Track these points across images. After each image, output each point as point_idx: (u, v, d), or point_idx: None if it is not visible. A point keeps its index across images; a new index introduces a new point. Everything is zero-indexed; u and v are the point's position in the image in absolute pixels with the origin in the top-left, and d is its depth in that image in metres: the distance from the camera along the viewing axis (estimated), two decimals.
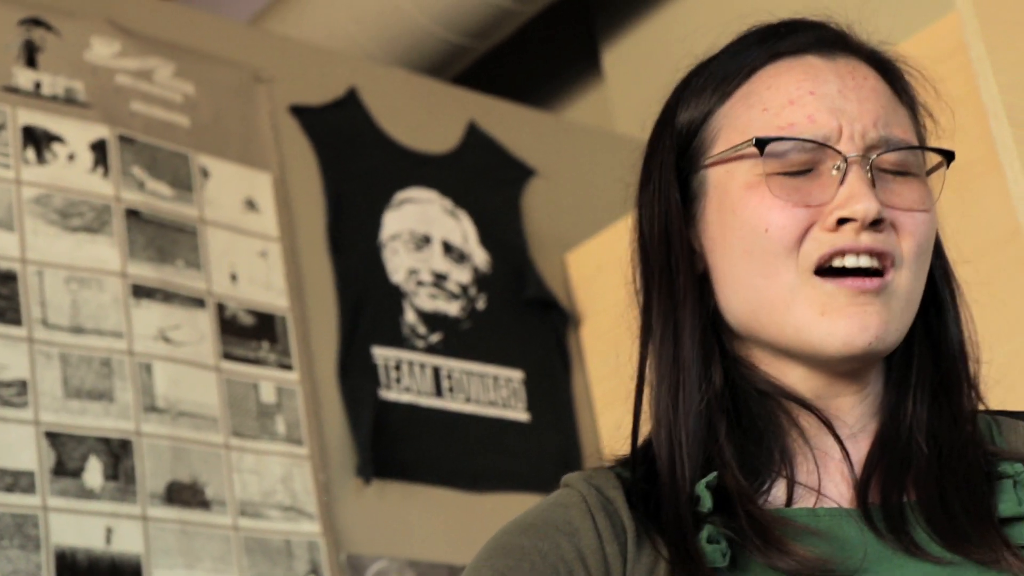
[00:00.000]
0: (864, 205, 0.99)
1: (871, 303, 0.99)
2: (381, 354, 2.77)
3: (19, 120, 2.43)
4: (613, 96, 3.46)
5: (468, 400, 2.85)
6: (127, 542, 2.25)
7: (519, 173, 3.12)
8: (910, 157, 1.04)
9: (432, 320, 2.88)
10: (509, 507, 2.86)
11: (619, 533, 0.99)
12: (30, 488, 2.19)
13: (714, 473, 0.99)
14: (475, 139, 3.11)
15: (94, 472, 2.27)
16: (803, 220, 1.00)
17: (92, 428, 2.30)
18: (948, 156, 1.06)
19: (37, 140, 2.44)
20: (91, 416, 2.30)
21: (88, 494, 2.24)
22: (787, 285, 1.00)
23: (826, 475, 1.02)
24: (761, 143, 1.01)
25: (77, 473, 2.25)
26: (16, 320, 2.29)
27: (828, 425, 1.02)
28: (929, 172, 1.07)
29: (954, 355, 1.06)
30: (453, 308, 2.92)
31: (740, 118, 1.04)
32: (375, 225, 2.88)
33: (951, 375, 1.06)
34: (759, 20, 1.14)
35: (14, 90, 2.45)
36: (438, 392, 2.82)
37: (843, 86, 1.03)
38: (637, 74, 3.43)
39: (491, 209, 3.04)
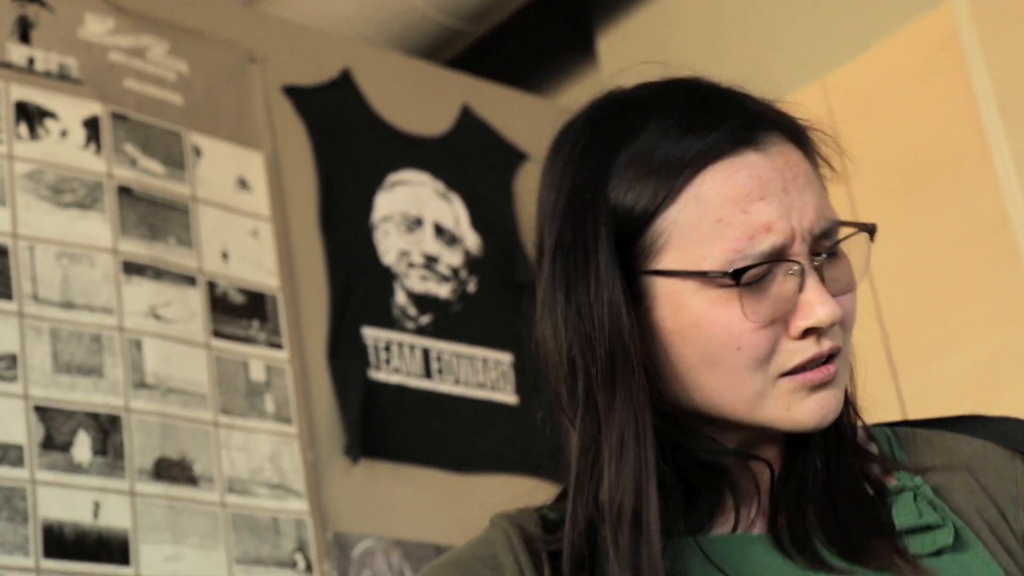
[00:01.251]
0: (827, 312, 1.02)
1: (827, 391, 1.04)
2: (371, 335, 2.78)
3: (12, 96, 2.43)
4: (607, 82, 3.46)
5: (457, 382, 2.86)
6: (115, 517, 2.26)
7: (512, 157, 3.13)
8: (835, 235, 1.07)
9: (422, 302, 2.88)
10: (496, 489, 2.86)
11: (539, 565, 1.04)
12: (18, 461, 2.20)
13: None
14: (468, 122, 3.11)
15: (83, 447, 2.28)
16: (772, 338, 1.03)
17: (81, 403, 2.31)
18: (871, 231, 1.08)
19: (30, 116, 2.44)
20: (80, 391, 2.31)
21: (76, 468, 2.25)
22: (754, 391, 1.04)
23: (746, 506, 1.07)
24: (737, 275, 1.02)
25: (66, 447, 2.26)
26: (7, 294, 2.29)
27: (770, 468, 1.07)
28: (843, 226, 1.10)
29: None
30: (444, 290, 2.92)
31: (693, 229, 1.04)
32: (367, 206, 2.88)
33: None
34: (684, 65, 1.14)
35: (7, 65, 2.45)
36: (427, 374, 2.83)
37: (784, 181, 1.04)
38: (632, 60, 3.43)
39: (483, 192, 3.05)
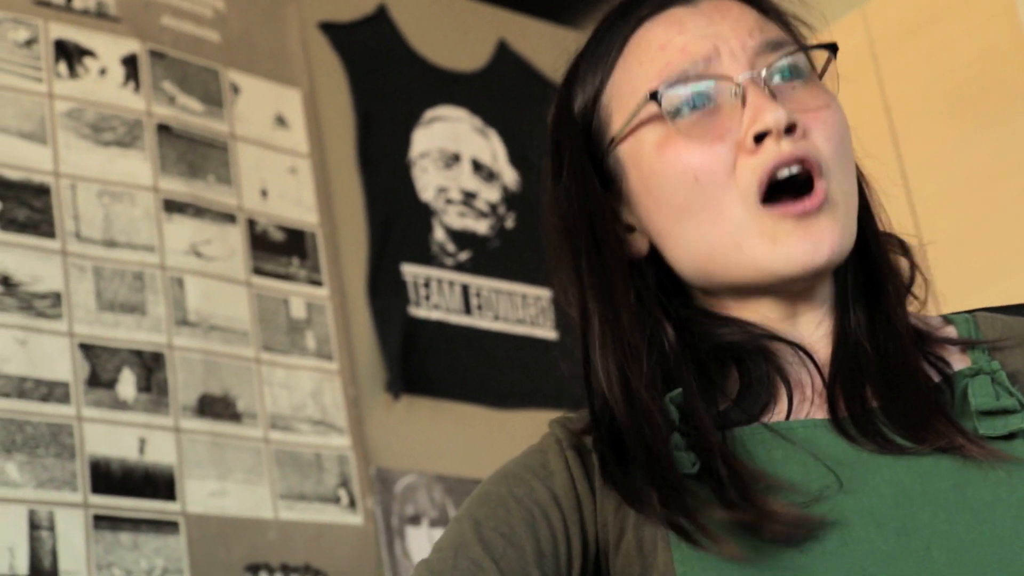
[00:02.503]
0: (773, 115, 0.99)
1: (817, 221, 1.00)
2: (410, 271, 2.78)
3: (51, 34, 2.44)
4: None
5: (496, 318, 2.87)
6: (160, 453, 2.28)
7: (549, 91, 3.10)
8: (798, 61, 1.04)
9: (461, 238, 2.89)
10: (536, 424, 2.87)
11: (590, 472, 1.03)
12: (65, 398, 2.22)
13: (679, 390, 1.01)
14: (505, 57, 3.10)
15: (127, 384, 2.30)
16: (725, 155, 1.01)
17: (125, 340, 2.32)
18: (832, 48, 1.05)
19: (69, 54, 2.44)
20: (124, 329, 2.33)
21: (122, 405, 2.27)
22: (735, 223, 1.01)
23: (800, 394, 1.04)
24: (654, 95, 1.01)
25: (111, 384, 2.28)
26: (50, 233, 2.31)
27: (803, 350, 1.04)
28: (821, 76, 1.07)
29: (876, 260, 1.07)
30: (482, 226, 2.92)
31: (624, 86, 1.05)
32: (405, 143, 2.88)
33: (879, 280, 1.07)
34: None
35: (46, 4, 2.45)
36: (467, 310, 2.83)
37: (709, 18, 1.04)
38: None
39: (521, 127, 3.04)
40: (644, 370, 1.00)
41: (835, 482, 0.96)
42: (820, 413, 1.02)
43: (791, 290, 1.04)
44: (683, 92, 1.01)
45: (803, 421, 1.01)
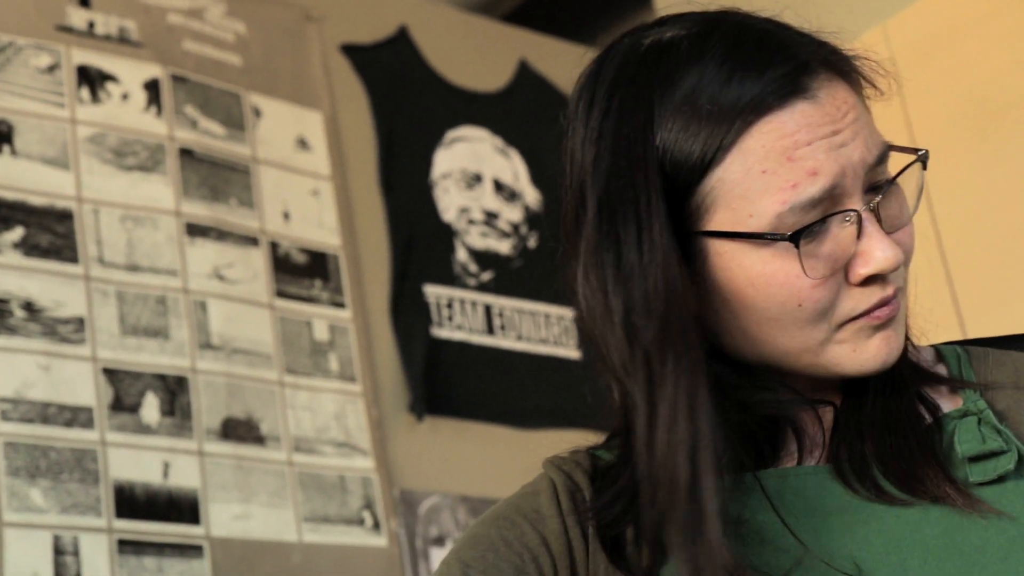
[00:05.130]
0: (889, 260, 1.00)
1: (891, 327, 1.02)
2: (433, 292, 2.78)
3: (73, 60, 2.45)
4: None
5: (519, 338, 2.86)
6: (184, 476, 2.28)
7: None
8: (887, 168, 1.05)
9: (483, 258, 2.88)
10: (559, 444, 2.87)
11: (583, 517, 1.03)
12: (89, 423, 2.22)
13: None
14: (526, 77, 3.10)
15: (151, 408, 2.30)
16: (833, 287, 1.01)
17: (148, 365, 2.33)
18: (923, 159, 1.06)
19: (91, 79, 2.45)
20: (147, 353, 2.33)
21: (145, 429, 2.28)
22: (819, 340, 1.02)
23: (808, 441, 1.05)
24: (795, 239, 0.99)
25: (134, 409, 2.28)
26: (73, 258, 2.32)
27: (833, 407, 1.05)
28: (896, 176, 1.07)
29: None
30: (504, 246, 2.92)
31: (739, 185, 1.00)
32: (426, 164, 2.88)
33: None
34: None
35: (68, 30, 2.47)
36: (489, 330, 2.83)
37: (833, 123, 1.01)
38: (687, 10, 3.40)
39: (542, 147, 3.04)
40: (711, 469, 0.98)
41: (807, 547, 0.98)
42: (823, 457, 1.03)
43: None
44: (805, 220, 0.99)
45: (802, 468, 1.02)
